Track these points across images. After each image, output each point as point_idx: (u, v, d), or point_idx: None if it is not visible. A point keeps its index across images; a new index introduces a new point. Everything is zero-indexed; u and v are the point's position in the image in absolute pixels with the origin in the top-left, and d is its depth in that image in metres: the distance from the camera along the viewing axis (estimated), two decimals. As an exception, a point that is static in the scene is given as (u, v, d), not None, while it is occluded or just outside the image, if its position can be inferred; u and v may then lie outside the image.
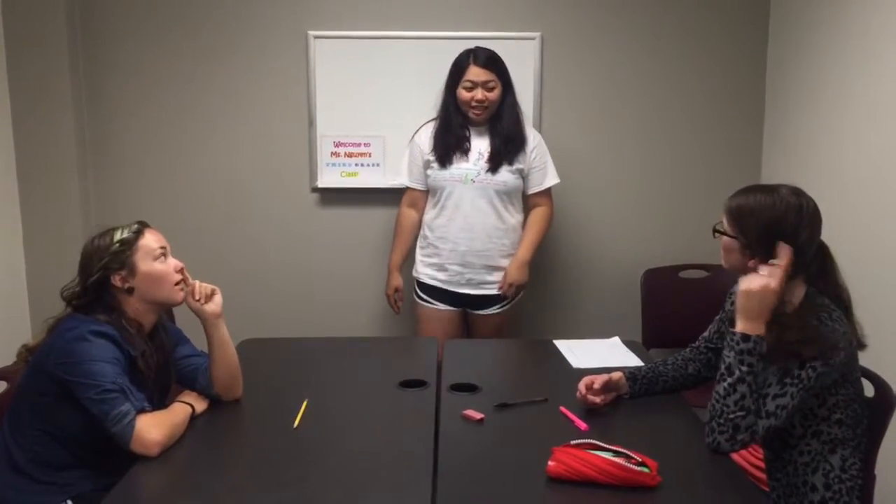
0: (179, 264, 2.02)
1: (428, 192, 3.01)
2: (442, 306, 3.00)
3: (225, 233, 3.45)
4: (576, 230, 3.47)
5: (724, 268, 1.95)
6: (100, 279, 1.92)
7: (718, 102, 3.40)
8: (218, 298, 2.05)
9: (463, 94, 2.87)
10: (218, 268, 3.34)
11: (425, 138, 2.97)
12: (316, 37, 3.30)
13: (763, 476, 1.94)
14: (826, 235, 1.88)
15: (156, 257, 1.96)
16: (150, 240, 1.98)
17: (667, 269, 3.34)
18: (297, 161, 3.40)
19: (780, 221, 1.80)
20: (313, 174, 3.40)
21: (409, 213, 3.05)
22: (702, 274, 3.30)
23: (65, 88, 3.19)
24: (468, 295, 2.98)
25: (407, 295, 3.10)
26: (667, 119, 3.41)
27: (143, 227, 2.00)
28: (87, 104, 3.32)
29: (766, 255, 1.82)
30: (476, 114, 2.88)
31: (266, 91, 3.36)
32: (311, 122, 3.36)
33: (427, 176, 2.97)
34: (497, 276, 2.96)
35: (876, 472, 1.90)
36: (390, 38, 3.28)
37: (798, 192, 1.84)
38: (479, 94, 2.85)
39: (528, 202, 3.03)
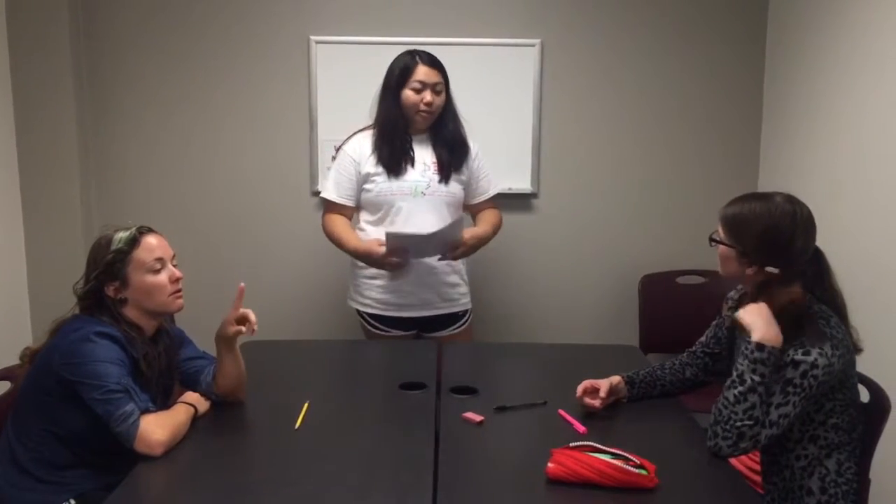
0: (177, 274, 1.99)
1: (357, 209, 2.81)
2: (395, 332, 2.82)
3: (226, 237, 3.46)
4: (574, 235, 3.49)
5: (722, 276, 1.97)
6: (93, 288, 1.93)
7: (717, 108, 3.42)
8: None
9: (411, 96, 2.67)
10: (219, 271, 3.39)
11: (361, 150, 2.74)
12: (318, 42, 3.32)
13: (759, 479, 1.96)
14: (822, 240, 1.90)
15: (149, 269, 1.94)
16: (146, 251, 1.94)
17: (664, 274, 3.37)
18: (299, 165, 3.41)
19: (775, 229, 1.83)
20: (314, 178, 3.41)
21: (341, 219, 2.80)
22: (699, 279, 3.32)
23: (68, 94, 3.20)
24: (421, 318, 2.81)
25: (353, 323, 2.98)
26: (666, 125, 3.44)
27: (141, 235, 1.96)
28: (89, 109, 3.34)
29: (763, 263, 1.84)
30: (423, 118, 2.70)
31: (268, 96, 3.38)
32: (313, 127, 3.38)
33: (366, 191, 2.74)
34: (449, 293, 2.83)
35: (870, 476, 1.92)
36: (391, 44, 3.29)
37: (792, 200, 1.86)
38: (427, 95, 2.66)
39: (473, 211, 2.90)
